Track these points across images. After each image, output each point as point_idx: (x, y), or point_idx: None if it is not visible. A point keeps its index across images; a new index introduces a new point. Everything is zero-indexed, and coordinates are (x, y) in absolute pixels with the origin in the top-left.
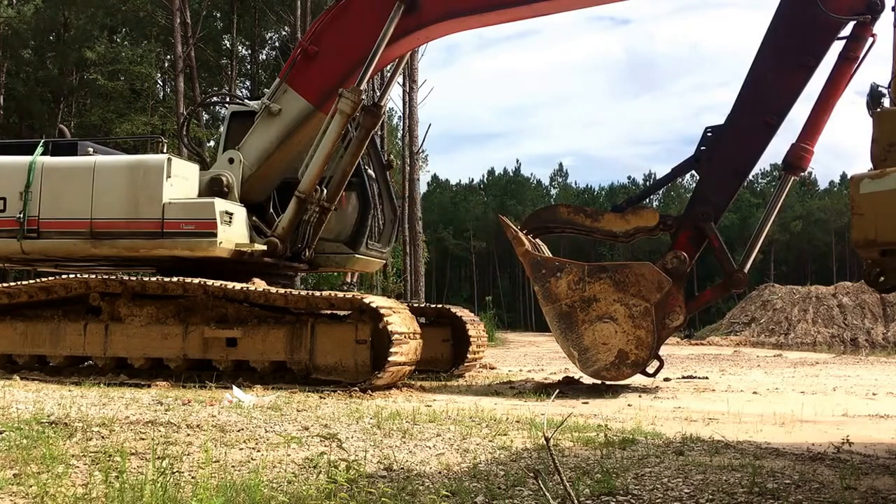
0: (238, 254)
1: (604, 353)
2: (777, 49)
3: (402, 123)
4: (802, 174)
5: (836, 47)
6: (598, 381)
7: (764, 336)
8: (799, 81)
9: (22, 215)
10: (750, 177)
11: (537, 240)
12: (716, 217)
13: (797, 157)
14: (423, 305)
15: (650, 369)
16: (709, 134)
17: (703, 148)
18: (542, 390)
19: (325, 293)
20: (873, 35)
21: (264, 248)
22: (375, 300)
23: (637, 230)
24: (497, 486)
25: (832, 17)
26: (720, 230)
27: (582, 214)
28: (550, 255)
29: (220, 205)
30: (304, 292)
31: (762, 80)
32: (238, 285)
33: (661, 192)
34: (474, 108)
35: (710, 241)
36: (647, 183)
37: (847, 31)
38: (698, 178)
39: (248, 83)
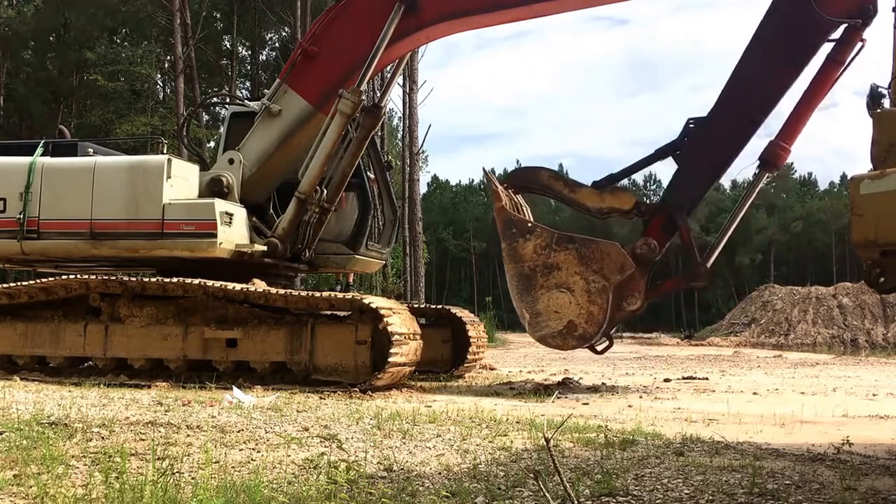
0: (238, 254)
1: (554, 320)
2: (767, 46)
3: (402, 124)
4: (777, 172)
5: (826, 49)
6: (545, 346)
7: (764, 337)
8: (786, 80)
9: (22, 216)
10: (749, 177)
11: (519, 197)
12: (689, 208)
13: (774, 154)
14: (422, 306)
15: (599, 347)
16: (691, 125)
17: (685, 138)
18: (543, 391)
19: (326, 294)
20: (863, 40)
21: (264, 248)
22: (375, 301)
23: (611, 210)
24: (497, 487)
25: (825, 18)
26: (717, 227)
27: (561, 182)
28: (525, 217)
29: (221, 205)
30: (304, 293)
31: (749, 76)
32: (238, 286)
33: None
34: (474, 109)
35: (680, 231)
36: (648, 183)
37: (838, 34)
38: (677, 168)
39: (248, 84)
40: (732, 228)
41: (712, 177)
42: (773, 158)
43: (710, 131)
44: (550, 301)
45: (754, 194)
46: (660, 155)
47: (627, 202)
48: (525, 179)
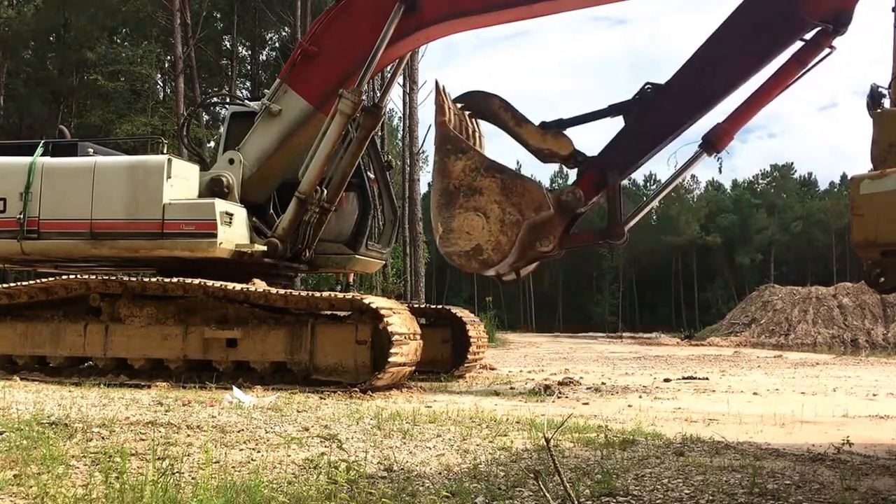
0: (238, 254)
1: (464, 240)
2: (738, 32)
3: (402, 124)
4: (716, 154)
5: (795, 50)
6: (452, 263)
7: (764, 337)
8: (749, 69)
9: (22, 216)
10: (750, 177)
11: (477, 121)
12: (623, 169)
13: (717, 137)
14: (423, 306)
15: (506, 277)
16: (648, 89)
17: (638, 99)
18: (543, 391)
19: (326, 294)
20: (832, 47)
21: (264, 248)
22: (375, 301)
23: (550, 152)
24: (497, 487)
25: (801, 17)
26: (723, 231)
27: (509, 114)
28: (467, 139)
29: (221, 205)
30: (304, 293)
31: (714, 57)
32: (238, 286)
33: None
34: None
35: (607, 189)
36: (647, 183)
37: (811, 35)
38: (622, 127)
39: (248, 84)
40: (658, 198)
41: (654, 143)
42: (715, 140)
43: (663, 100)
44: (465, 221)
45: (686, 171)
46: (611, 111)
47: (565, 148)
48: (477, 104)
